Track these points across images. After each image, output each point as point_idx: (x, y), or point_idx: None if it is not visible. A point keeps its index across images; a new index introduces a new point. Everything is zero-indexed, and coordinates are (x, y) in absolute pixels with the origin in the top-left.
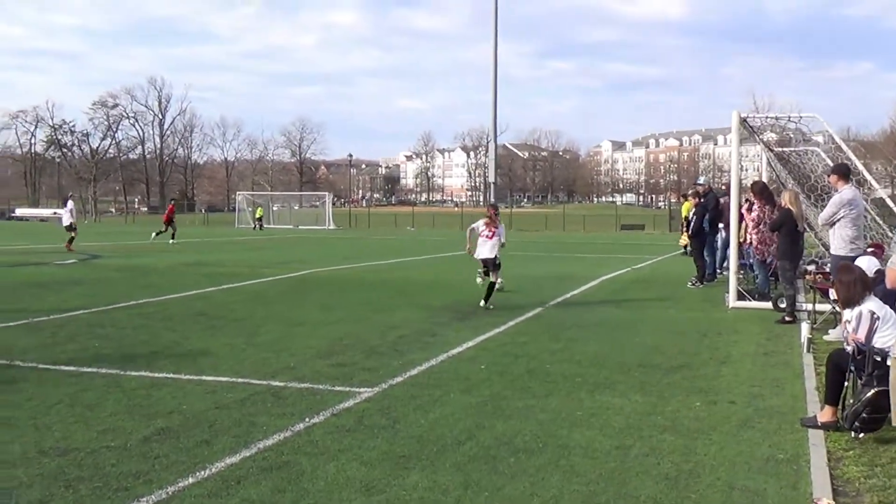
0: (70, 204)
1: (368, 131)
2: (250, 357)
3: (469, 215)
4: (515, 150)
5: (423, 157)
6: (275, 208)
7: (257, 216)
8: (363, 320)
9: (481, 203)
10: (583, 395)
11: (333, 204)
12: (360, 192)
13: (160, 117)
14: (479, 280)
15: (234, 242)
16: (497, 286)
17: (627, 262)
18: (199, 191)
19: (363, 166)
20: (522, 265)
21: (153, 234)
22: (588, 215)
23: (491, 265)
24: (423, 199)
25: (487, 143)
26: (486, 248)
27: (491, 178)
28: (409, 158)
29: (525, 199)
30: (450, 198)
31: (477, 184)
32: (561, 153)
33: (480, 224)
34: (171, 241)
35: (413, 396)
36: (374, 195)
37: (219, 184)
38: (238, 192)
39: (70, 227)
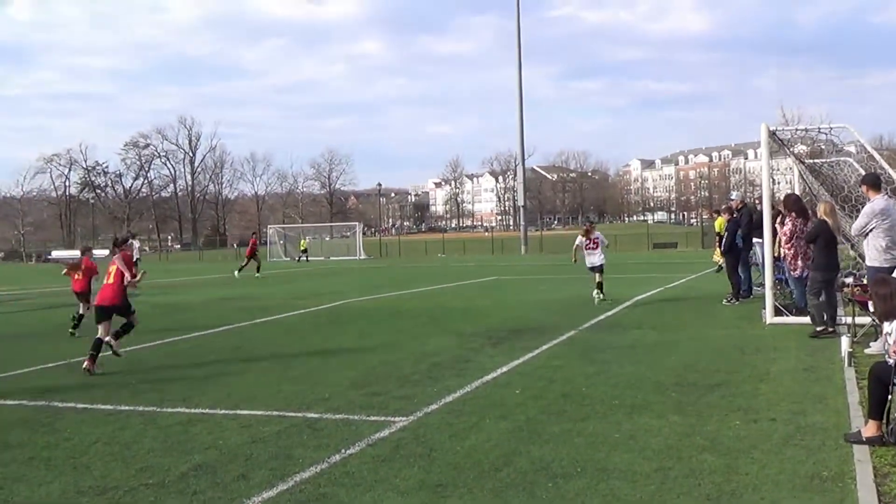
0: (136, 243)
1: (397, 159)
2: (285, 390)
3: (499, 240)
4: (544, 173)
5: (452, 183)
6: (306, 240)
7: (301, 248)
8: (396, 349)
9: (511, 227)
10: (620, 417)
11: (364, 234)
12: (390, 220)
13: (191, 155)
14: (596, 301)
15: (268, 276)
16: (601, 297)
17: (660, 282)
18: (231, 226)
19: (392, 195)
20: (554, 288)
21: (236, 273)
22: (619, 235)
23: (598, 270)
24: (452, 225)
25: (515, 166)
26: (594, 257)
27: (520, 202)
28: (437, 185)
29: (556, 222)
30: (479, 223)
31: (507, 208)
32: (590, 174)
33: (583, 239)
34: (256, 274)
35: (448, 424)
36: (405, 223)
37: (250, 218)
38: (269, 226)
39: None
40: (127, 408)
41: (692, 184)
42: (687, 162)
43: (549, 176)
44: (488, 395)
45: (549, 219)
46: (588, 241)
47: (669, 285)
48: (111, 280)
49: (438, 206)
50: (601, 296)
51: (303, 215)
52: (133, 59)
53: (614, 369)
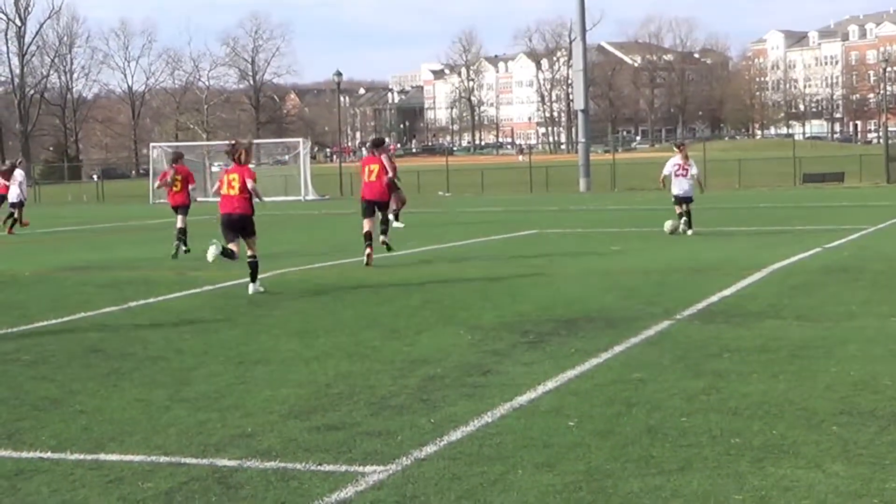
0: (19, 174)
1: (367, 34)
2: (179, 420)
3: (542, 168)
4: (620, 55)
5: (463, 72)
6: (214, 168)
7: None
8: (367, 352)
9: (563, 147)
10: (743, 466)
11: (313, 158)
12: (357, 135)
13: (18, 25)
14: (681, 229)
15: (148, 228)
16: (687, 231)
17: (815, 239)
18: (88, 144)
19: (361, 92)
20: (636, 249)
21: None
22: (745, 159)
23: (688, 201)
24: (464, 142)
25: (571, 43)
26: (685, 183)
27: (578, 104)
28: (438, 75)
29: (638, 137)
30: (509, 140)
31: (555, 114)
32: (697, 56)
33: (671, 165)
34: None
35: (455, 478)
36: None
37: (120, 131)
38: (152, 144)
39: (19, 204)
40: None
41: (871, 72)
42: (864, 35)
43: (628, 59)
44: (522, 431)
45: (628, 132)
46: (681, 166)
47: (830, 245)
48: (374, 178)
49: (440, 112)
50: (688, 230)
51: (209, 126)
52: None
53: (734, 386)
